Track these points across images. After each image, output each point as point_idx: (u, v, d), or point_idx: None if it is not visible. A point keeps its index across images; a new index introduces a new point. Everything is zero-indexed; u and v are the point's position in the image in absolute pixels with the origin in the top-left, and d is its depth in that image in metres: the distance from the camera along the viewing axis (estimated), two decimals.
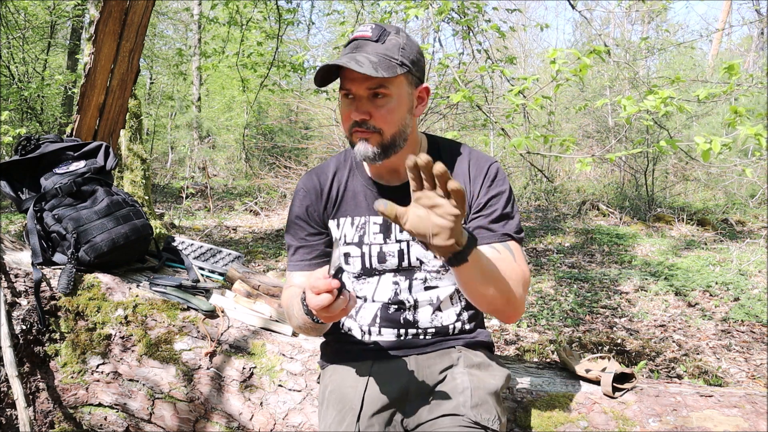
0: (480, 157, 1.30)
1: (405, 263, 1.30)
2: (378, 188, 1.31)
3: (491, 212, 1.24)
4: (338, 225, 1.33)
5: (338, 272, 1.01)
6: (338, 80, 1.22)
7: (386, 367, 1.29)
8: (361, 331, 1.34)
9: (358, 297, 1.35)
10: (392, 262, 1.30)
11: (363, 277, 1.33)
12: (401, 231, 1.28)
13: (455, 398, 1.19)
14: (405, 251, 1.29)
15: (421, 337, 1.33)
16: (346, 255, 1.32)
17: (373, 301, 1.33)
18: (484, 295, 1.09)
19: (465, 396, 1.19)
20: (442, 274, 1.31)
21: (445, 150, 1.33)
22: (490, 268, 1.08)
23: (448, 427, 1.15)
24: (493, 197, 1.25)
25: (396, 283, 1.31)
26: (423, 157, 0.88)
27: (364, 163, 1.32)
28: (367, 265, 1.31)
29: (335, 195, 1.33)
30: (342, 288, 1.00)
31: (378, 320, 1.32)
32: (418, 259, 1.29)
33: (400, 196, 1.24)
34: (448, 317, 1.33)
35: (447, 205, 0.90)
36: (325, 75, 1.18)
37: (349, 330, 1.37)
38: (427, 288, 1.31)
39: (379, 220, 1.31)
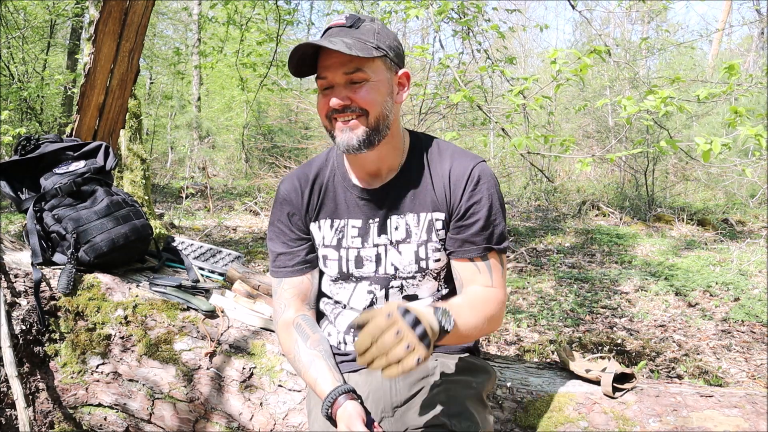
0: (463, 160, 1.24)
1: (381, 269, 1.27)
2: (358, 191, 1.28)
3: (473, 222, 1.20)
4: (319, 227, 1.31)
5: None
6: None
7: (361, 382, 1.25)
8: (338, 339, 1.33)
9: (336, 302, 1.34)
10: (369, 267, 1.28)
11: (340, 281, 1.32)
12: (378, 235, 1.27)
13: (432, 409, 1.16)
14: (382, 255, 1.27)
15: None
16: (324, 257, 1.30)
17: (350, 308, 1.31)
18: (463, 339, 1.15)
19: (442, 406, 1.16)
20: (419, 281, 1.28)
21: (426, 150, 1.28)
22: (465, 328, 1.10)
23: None
24: (474, 204, 1.20)
25: (371, 292, 1.28)
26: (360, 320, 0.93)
27: (346, 164, 1.29)
28: (344, 269, 1.29)
29: (316, 197, 1.30)
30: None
31: (353, 329, 1.29)
32: (392, 265, 1.27)
33: (381, 198, 1.26)
34: None
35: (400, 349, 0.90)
36: (301, 64, 1.16)
37: (329, 335, 1.35)
38: (405, 297, 1.28)
39: (358, 223, 1.28)
